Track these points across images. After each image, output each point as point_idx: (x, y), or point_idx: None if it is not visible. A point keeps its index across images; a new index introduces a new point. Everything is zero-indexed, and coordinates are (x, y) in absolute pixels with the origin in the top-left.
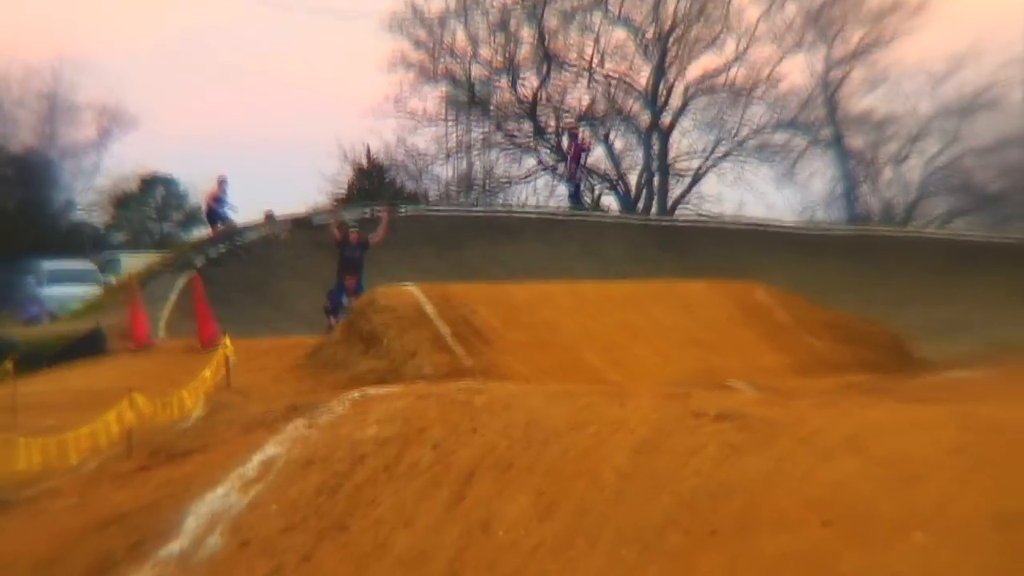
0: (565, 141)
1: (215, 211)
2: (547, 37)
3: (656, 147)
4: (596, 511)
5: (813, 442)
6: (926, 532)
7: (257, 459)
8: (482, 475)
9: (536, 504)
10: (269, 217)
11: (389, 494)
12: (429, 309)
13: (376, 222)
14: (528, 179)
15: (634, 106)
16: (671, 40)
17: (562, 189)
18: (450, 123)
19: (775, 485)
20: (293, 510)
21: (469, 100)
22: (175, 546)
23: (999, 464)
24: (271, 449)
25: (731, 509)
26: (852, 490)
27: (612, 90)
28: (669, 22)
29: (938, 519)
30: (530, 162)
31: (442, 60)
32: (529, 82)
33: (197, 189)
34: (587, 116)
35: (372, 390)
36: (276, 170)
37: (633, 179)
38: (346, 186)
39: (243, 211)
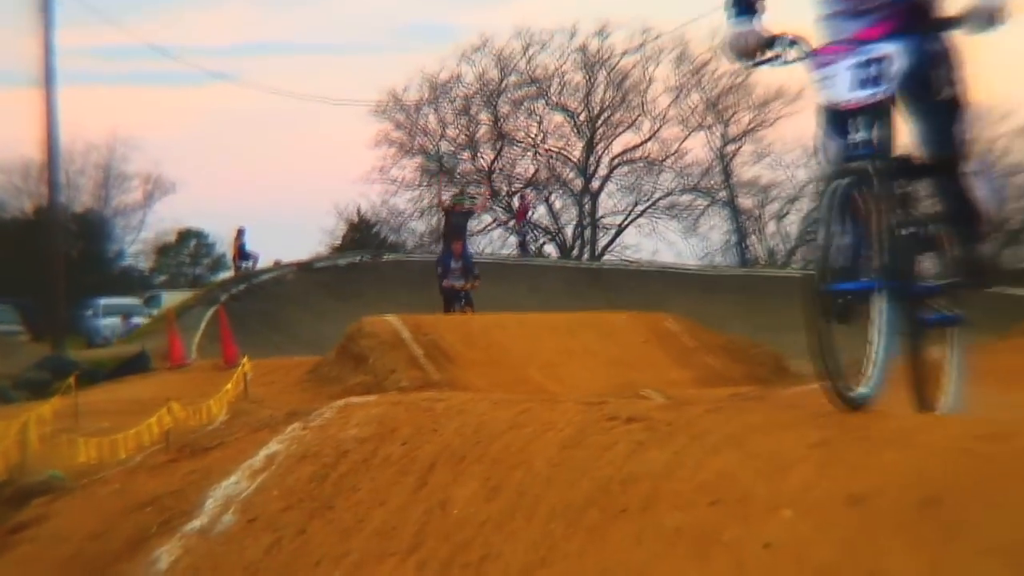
0: (515, 202)
1: (238, 257)
2: (500, 120)
3: (587, 206)
4: (531, 493)
5: (703, 439)
6: (792, 509)
7: (263, 453)
8: (440, 466)
9: (483, 488)
10: (277, 264)
11: (367, 481)
12: (406, 335)
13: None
14: (485, 232)
15: (570, 174)
16: (599, 122)
17: (512, 240)
18: (423, 188)
19: (672, 473)
20: (290, 494)
21: (439, 169)
22: (197, 523)
23: (849, 456)
24: (274, 446)
25: (637, 492)
26: (734, 477)
27: (552, 161)
28: (597, 108)
29: (801, 499)
30: (487, 219)
31: (417, 138)
32: (486, 155)
33: (223, 240)
34: (532, 182)
35: (354, 399)
36: (285, 225)
37: (569, 232)
38: (340, 237)
39: (260, 257)
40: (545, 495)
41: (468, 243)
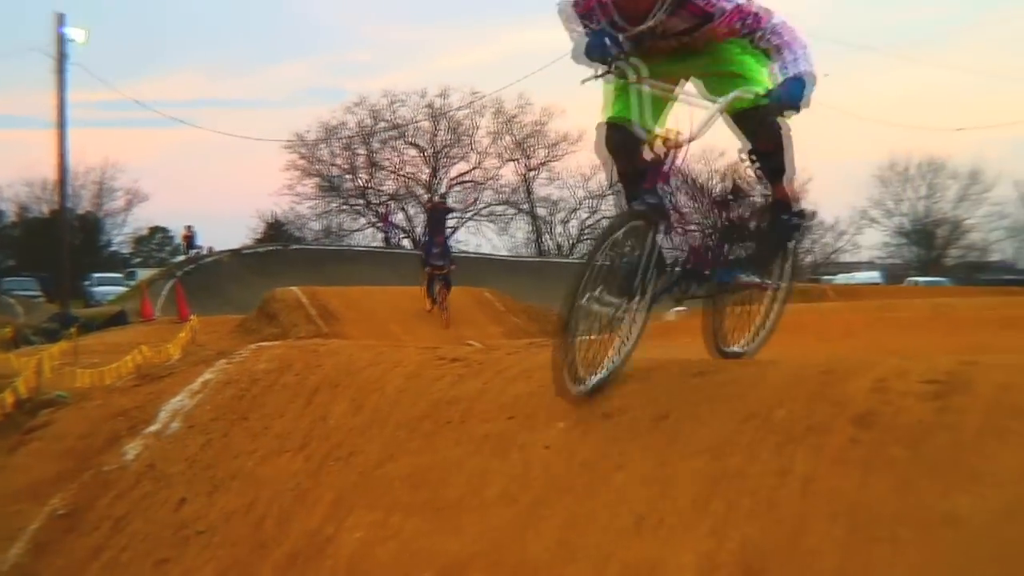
0: (382, 209)
1: (189, 246)
2: (373, 153)
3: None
4: (384, 410)
5: (504, 373)
6: (564, 422)
7: (200, 380)
8: (322, 390)
9: (351, 406)
10: (210, 251)
11: (271, 400)
12: (304, 300)
13: (283, 254)
14: (361, 230)
15: (420, 191)
16: (440, 155)
17: (379, 236)
18: (319, 200)
19: (482, 397)
20: (218, 408)
21: (330, 187)
22: (153, 428)
23: (603, 385)
24: (207, 375)
25: (458, 409)
26: (524, 401)
27: (408, 182)
28: (440, 145)
29: (570, 415)
30: (362, 221)
31: (315, 165)
32: (363, 177)
33: (179, 234)
34: (394, 196)
35: (264, 343)
36: (223, 223)
37: (419, 231)
38: (261, 232)
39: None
40: (393, 411)
41: (445, 235)
